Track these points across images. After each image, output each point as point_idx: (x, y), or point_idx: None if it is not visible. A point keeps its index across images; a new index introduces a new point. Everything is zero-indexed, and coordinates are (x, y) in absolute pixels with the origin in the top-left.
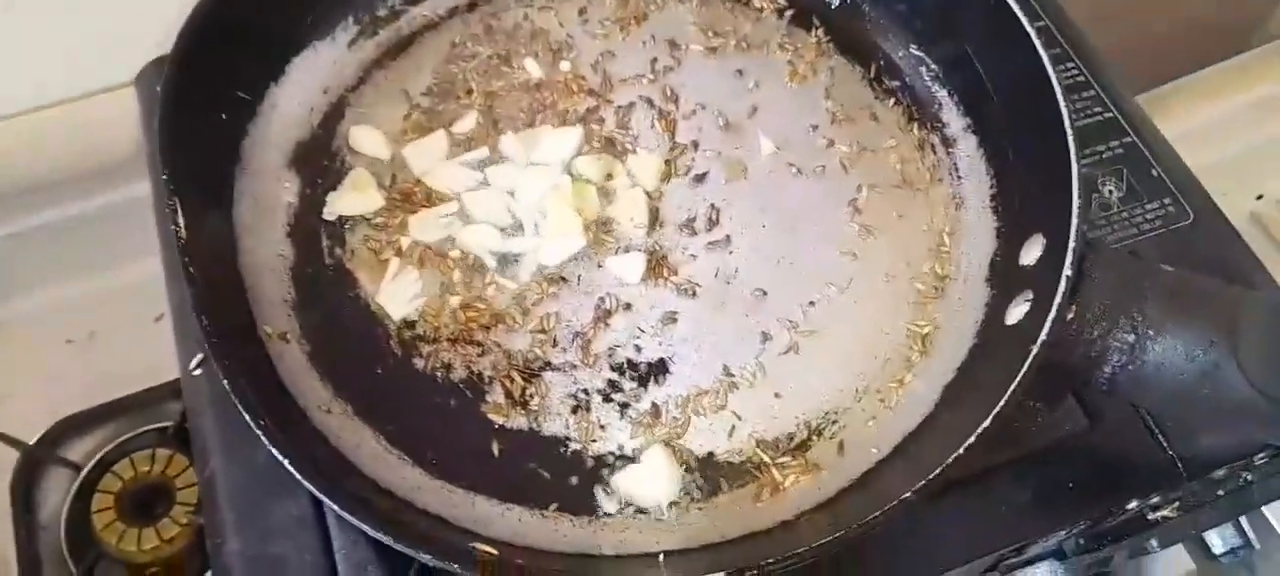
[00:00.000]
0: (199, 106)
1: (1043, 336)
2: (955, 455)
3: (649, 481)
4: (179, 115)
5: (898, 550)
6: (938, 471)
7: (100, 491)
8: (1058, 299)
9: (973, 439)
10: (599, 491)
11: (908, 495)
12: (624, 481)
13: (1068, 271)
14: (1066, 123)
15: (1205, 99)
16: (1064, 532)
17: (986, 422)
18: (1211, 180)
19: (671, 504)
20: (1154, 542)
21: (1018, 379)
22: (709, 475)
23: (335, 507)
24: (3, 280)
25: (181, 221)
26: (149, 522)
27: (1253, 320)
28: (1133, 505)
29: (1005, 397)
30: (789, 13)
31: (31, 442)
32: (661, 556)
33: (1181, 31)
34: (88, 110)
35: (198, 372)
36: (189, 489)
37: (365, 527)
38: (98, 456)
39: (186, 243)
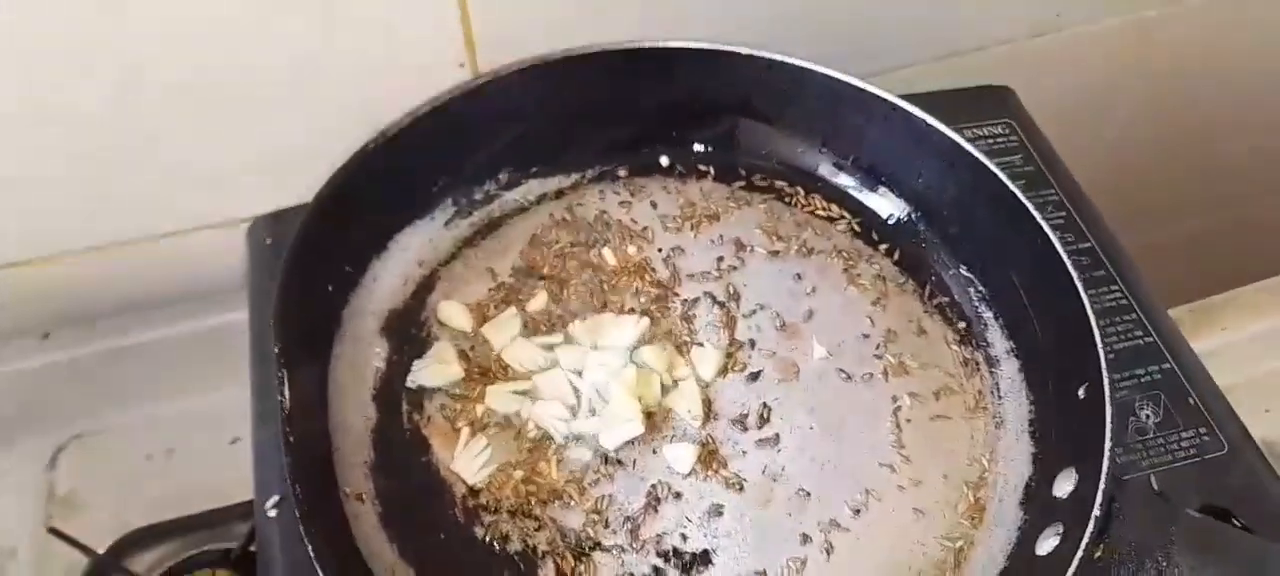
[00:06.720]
0: (312, 278)
1: (1069, 573)
2: None
3: None
4: (295, 286)
5: None
6: None
7: None
8: (1085, 538)
9: None
10: None
11: None
12: None
13: (1097, 511)
14: (1104, 369)
15: (1251, 314)
16: None
17: None
18: (1247, 398)
19: None
20: None
21: None
22: None
23: None
24: (95, 394)
25: (287, 392)
26: None
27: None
28: None
29: None
30: (851, 224)
31: (101, 552)
32: None
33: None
34: (188, 244)
35: (273, 514)
36: None
37: None
38: (160, 570)
39: (289, 413)
